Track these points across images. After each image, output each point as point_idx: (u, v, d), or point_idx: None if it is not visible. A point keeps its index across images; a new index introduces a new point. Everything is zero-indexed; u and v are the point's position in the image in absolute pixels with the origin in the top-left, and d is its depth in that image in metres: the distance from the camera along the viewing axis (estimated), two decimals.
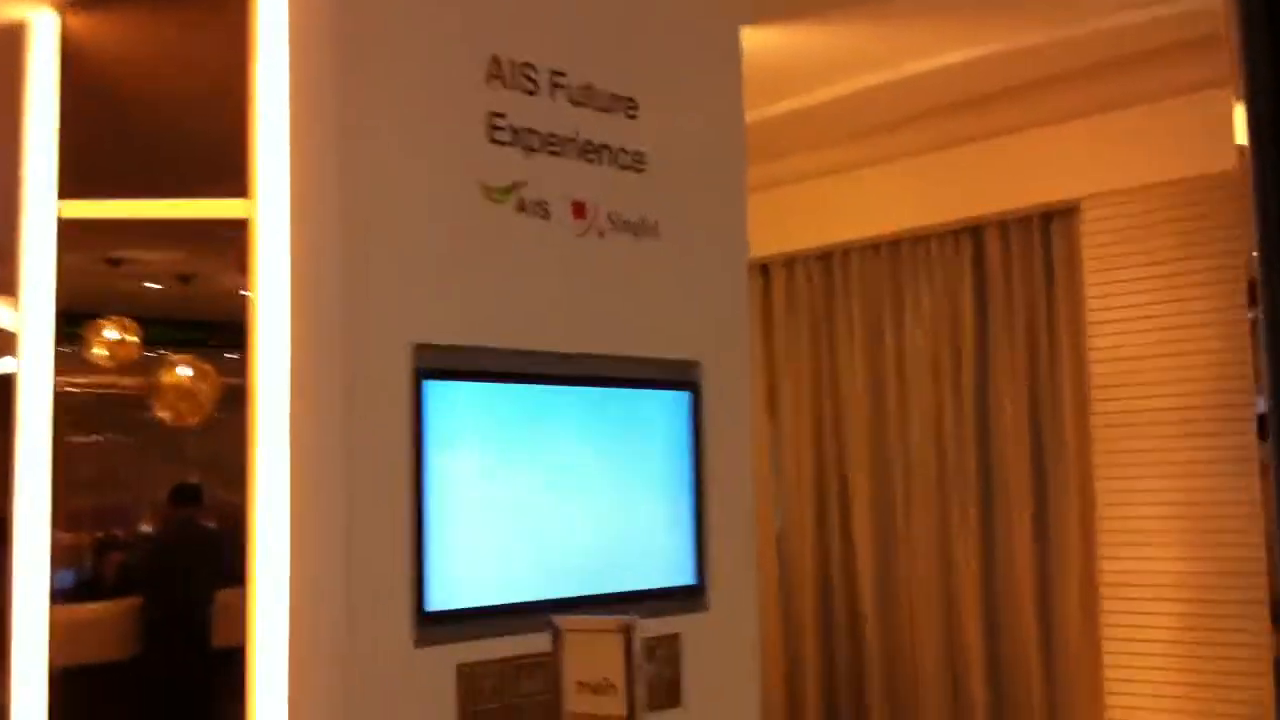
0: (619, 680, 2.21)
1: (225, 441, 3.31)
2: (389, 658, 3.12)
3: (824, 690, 6.06)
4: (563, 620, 2.38)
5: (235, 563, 3.20)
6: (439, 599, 3.22)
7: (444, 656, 3.22)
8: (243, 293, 3.27)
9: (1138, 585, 4.95)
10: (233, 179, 3.29)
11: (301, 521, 3.12)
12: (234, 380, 3.31)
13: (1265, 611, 4.64)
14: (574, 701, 2.31)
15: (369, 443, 3.15)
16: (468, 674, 3.22)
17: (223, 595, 3.60)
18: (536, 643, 3.41)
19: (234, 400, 3.29)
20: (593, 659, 2.29)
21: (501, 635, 3.33)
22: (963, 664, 5.63)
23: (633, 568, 3.69)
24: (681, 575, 3.82)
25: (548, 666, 3.36)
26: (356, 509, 3.10)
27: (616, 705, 2.21)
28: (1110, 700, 5.04)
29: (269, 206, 3.25)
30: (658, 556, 3.77)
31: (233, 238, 3.29)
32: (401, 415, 3.21)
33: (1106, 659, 5.06)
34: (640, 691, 2.18)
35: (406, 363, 3.23)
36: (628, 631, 2.21)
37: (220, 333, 3.45)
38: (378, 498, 3.15)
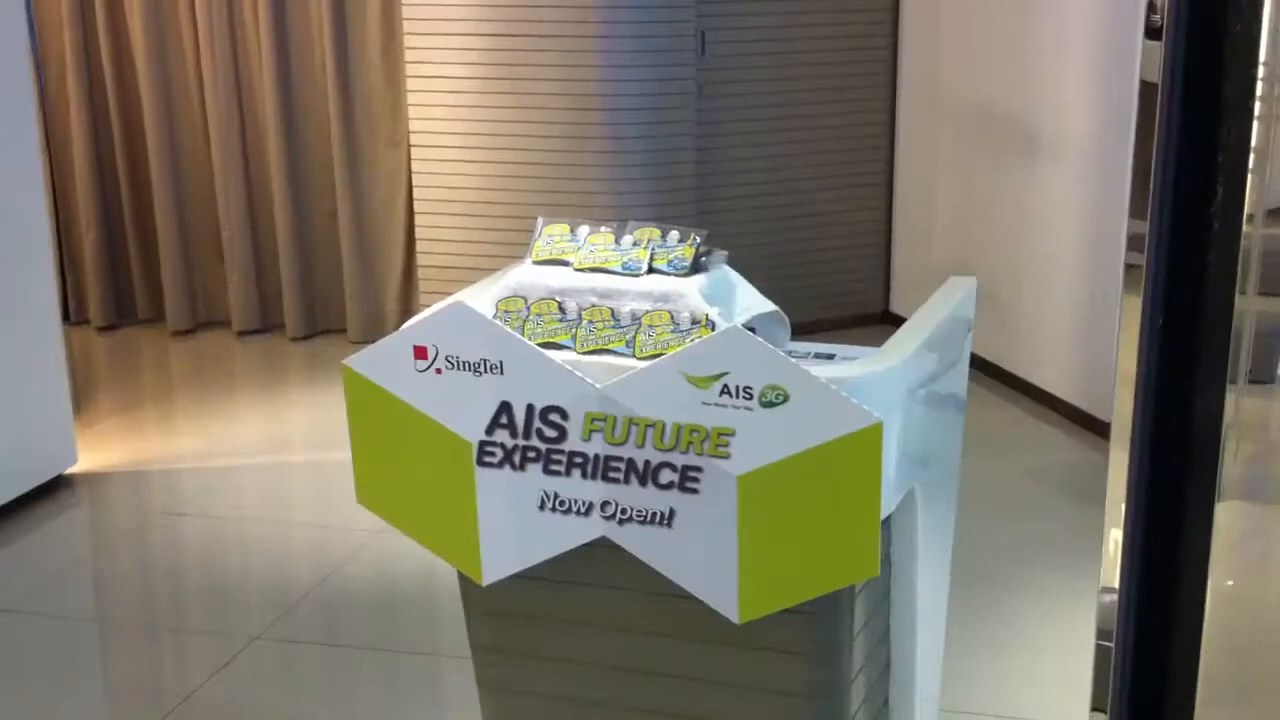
0: None
1: None
2: None
3: (94, 153, 5.46)
4: None
5: None
6: None
7: None
8: None
9: (439, 21, 4.80)
10: None
11: None
12: None
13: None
14: None
15: None
16: None
17: None
18: None
19: None
20: None
21: None
22: (253, 110, 5.32)
23: None
24: None
25: None
26: None
27: None
28: (415, 139, 4.99)
29: None
30: None
31: None
32: None
33: (410, 98, 4.96)
34: None
35: None
36: None
37: None
38: None
